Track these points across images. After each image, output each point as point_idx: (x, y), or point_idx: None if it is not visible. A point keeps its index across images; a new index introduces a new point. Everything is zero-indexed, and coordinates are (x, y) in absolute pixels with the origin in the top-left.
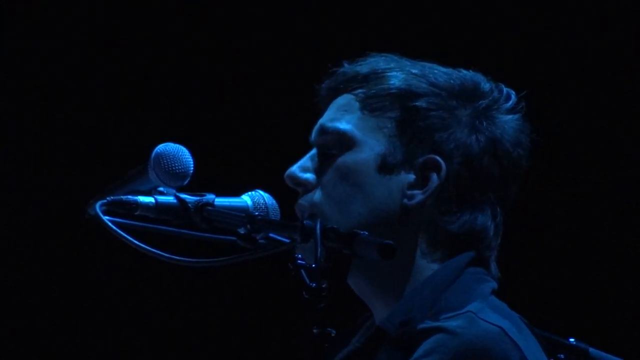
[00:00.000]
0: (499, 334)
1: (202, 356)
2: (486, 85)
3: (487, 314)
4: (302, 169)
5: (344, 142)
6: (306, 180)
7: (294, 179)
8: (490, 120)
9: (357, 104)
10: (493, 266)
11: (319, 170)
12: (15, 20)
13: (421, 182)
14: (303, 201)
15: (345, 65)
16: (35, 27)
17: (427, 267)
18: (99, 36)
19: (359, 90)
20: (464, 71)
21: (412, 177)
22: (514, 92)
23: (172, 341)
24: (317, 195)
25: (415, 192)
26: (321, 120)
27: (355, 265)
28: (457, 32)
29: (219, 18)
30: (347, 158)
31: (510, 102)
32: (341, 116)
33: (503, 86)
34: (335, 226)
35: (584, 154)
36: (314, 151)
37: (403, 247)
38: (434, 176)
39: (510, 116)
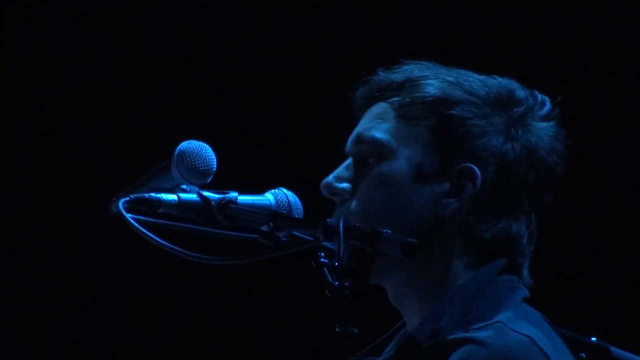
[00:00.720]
0: (528, 343)
1: (224, 353)
2: (521, 92)
3: (516, 324)
4: (337, 178)
5: (380, 151)
6: (342, 189)
7: (330, 188)
8: (525, 128)
9: (392, 113)
10: (526, 273)
11: (354, 180)
12: (28, 17)
13: (457, 190)
14: (339, 211)
15: (380, 73)
16: (46, 24)
17: (460, 274)
18: (125, 32)
19: (394, 99)
20: (499, 78)
21: (447, 185)
22: (548, 99)
23: (193, 338)
24: (352, 204)
25: (451, 200)
26: (357, 129)
27: (393, 272)
28: (488, 38)
29: (251, 16)
30: (383, 167)
31: (545, 109)
32: (377, 125)
33: (537, 93)
34: (358, 224)
35: (609, 158)
36: (349, 160)
37: (438, 255)
38: (470, 185)
39: (545, 123)
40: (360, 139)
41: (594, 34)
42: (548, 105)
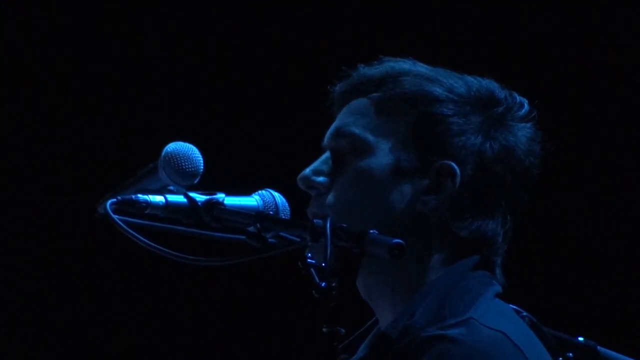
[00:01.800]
0: (501, 339)
1: (209, 355)
2: (501, 92)
3: (489, 319)
4: (315, 172)
5: (359, 146)
6: (319, 183)
7: (307, 181)
8: (504, 128)
9: (371, 108)
10: (499, 272)
11: (332, 174)
12: (24, 18)
13: (436, 187)
14: (315, 205)
15: (360, 68)
16: (43, 26)
17: (434, 270)
18: (109, 34)
19: (374, 94)
20: (479, 78)
21: (426, 182)
22: (526, 101)
23: (179, 340)
24: (329, 198)
25: (430, 197)
26: (335, 124)
27: (366, 267)
28: (468, 39)
29: (234, 17)
30: (361, 163)
31: (524, 110)
32: (356, 120)
33: (516, 94)
34: (345, 224)
35: (585, 158)
36: (327, 155)
37: (413, 251)
38: (449, 182)
39: (523, 124)
40: (338, 134)
41: (570, 34)
42: (526, 107)
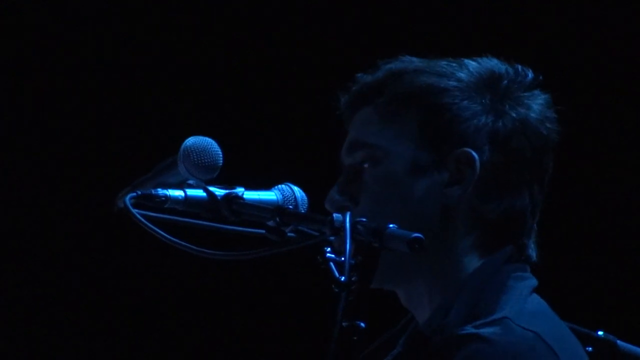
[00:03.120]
0: (534, 339)
1: (228, 348)
2: (500, 67)
3: (523, 319)
4: (339, 192)
5: (373, 155)
6: (345, 201)
7: (333, 202)
8: (512, 101)
9: (377, 114)
10: (532, 251)
11: (355, 189)
12: (34, 15)
13: (457, 177)
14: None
15: (358, 77)
16: (56, 20)
17: (469, 262)
18: (128, 28)
19: (377, 100)
20: (476, 59)
21: (446, 175)
22: (530, 69)
23: (199, 333)
24: (356, 209)
25: (454, 188)
26: (347, 139)
27: (405, 275)
28: (466, 30)
29: (255, 12)
30: (378, 171)
31: (528, 78)
32: (365, 130)
33: (518, 65)
34: (364, 219)
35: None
36: (345, 174)
37: (446, 245)
38: (469, 170)
39: (530, 92)
40: (352, 148)
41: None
42: (530, 75)
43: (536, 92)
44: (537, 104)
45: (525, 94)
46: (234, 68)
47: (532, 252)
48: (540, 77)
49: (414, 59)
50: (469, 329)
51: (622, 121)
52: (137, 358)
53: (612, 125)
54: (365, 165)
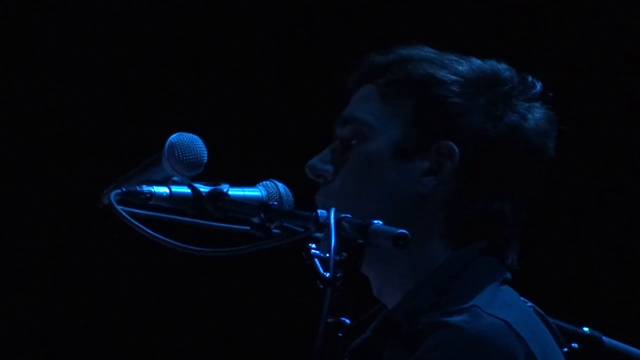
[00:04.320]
0: (503, 327)
1: (214, 345)
2: (507, 72)
3: (493, 307)
4: (321, 160)
5: (362, 131)
6: (325, 171)
7: (314, 169)
8: (508, 107)
9: (377, 93)
10: (511, 256)
11: (338, 161)
12: (28, 13)
13: (435, 168)
14: (322, 193)
15: (370, 57)
16: (49, 19)
17: (440, 254)
18: (114, 26)
19: (380, 80)
20: (487, 60)
21: (426, 164)
22: (540, 83)
23: (184, 331)
24: (334, 185)
25: (430, 178)
26: (343, 113)
27: (374, 254)
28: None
29: (241, 8)
30: (364, 147)
31: (533, 91)
32: (361, 106)
33: (529, 76)
34: (350, 214)
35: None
36: (334, 143)
37: (418, 234)
38: (448, 162)
39: (530, 104)
40: (343, 121)
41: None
42: (538, 88)
43: (537, 104)
44: (534, 115)
45: (525, 103)
46: (219, 64)
47: (512, 258)
48: (550, 94)
49: (427, 48)
50: (438, 317)
51: (615, 119)
52: (120, 355)
53: (607, 122)
54: (353, 142)
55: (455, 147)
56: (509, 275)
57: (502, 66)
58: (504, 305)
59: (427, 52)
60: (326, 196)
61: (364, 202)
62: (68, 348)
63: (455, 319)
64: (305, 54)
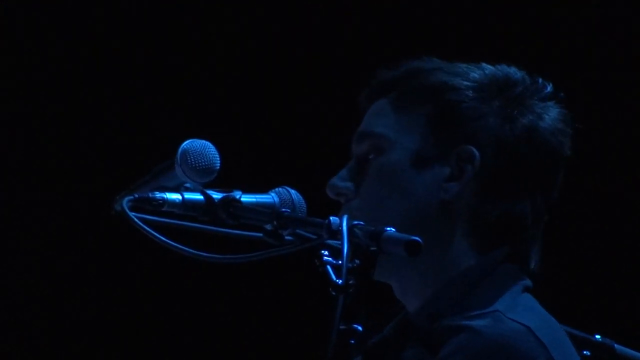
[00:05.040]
0: (525, 333)
1: (226, 352)
2: (518, 74)
3: (515, 313)
4: (341, 178)
5: (379, 145)
6: (346, 188)
7: (334, 188)
8: (523, 108)
9: (390, 106)
10: (533, 260)
11: (358, 178)
12: (27, 14)
13: (457, 173)
14: (344, 210)
15: (379, 72)
16: (50, 22)
17: (464, 259)
18: (121, 28)
19: (391, 93)
20: (496, 65)
21: (447, 170)
22: (551, 84)
23: (195, 336)
24: (356, 202)
25: (452, 184)
26: (358, 130)
27: (400, 268)
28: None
29: (256, 14)
30: (382, 160)
31: (546, 91)
32: (376, 121)
33: (539, 77)
34: (362, 222)
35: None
36: (352, 162)
37: (442, 240)
38: (469, 167)
39: (544, 104)
40: (360, 137)
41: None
42: (549, 88)
43: (551, 103)
44: (549, 114)
45: (539, 103)
46: (232, 70)
47: (532, 262)
48: (562, 95)
49: (435, 59)
50: (460, 321)
51: (617, 121)
52: (134, 359)
53: (608, 125)
54: (371, 157)
55: (475, 151)
56: (530, 283)
57: (512, 69)
58: (526, 311)
59: (437, 62)
60: (349, 214)
61: (388, 214)
62: (79, 351)
63: (477, 322)
64: (320, 58)
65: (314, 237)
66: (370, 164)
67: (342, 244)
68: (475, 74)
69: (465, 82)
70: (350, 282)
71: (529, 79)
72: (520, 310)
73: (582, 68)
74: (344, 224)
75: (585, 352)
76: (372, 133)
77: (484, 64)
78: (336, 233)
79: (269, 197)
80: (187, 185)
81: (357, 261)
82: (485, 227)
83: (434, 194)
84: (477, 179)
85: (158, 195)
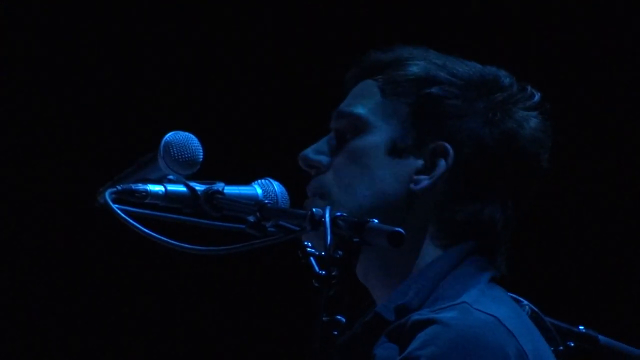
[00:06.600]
0: (493, 323)
1: (210, 344)
2: (506, 79)
3: (482, 304)
4: (315, 151)
5: (358, 125)
6: (318, 161)
7: (306, 160)
8: (506, 114)
9: (376, 89)
10: (500, 260)
11: (332, 154)
12: (21, 12)
13: (429, 167)
14: (313, 183)
15: (371, 53)
16: (41, 19)
17: (430, 253)
18: (109, 26)
19: (379, 76)
20: (488, 66)
21: (420, 162)
22: (539, 93)
23: (180, 330)
24: (326, 176)
25: (422, 177)
26: (340, 106)
27: (362, 251)
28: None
29: (235, 7)
30: (358, 141)
31: (531, 100)
32: (358, 101)
33: (529, 86)
34: (342, 210)
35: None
36: (330, 135)
37: (408, 232)
38: (442, 162)
39: (527, 112)
40: (340, 114)
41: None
42: (536, 98)
43: (534, 113)
44: (530, 124)
45: (523, 112)
46: (212, 62)
47: (501, 263)
48: (548, 106)
49: (431, 50)
50: (427, 314)
51: (615, 119)
52: (116, 353)
53: (607, 122)
54: (348, 135)
55: (450, 148)
56: (497, 273)
57: (502, 73)
58: (493, 302)
59: (429, 53)
60: (318, 187)
61: (354, 196)
62: (63, 347)
63: (445, 315)
64: (298, 49)
65: (297, 228)
66: (346, 142)
67: (325, 235)
68: (465, 71)
69: (453, 78)
70: (333, 273)
71: (516, 86)
72: (488, 301)
73: (582, 68)
74: (327, 215)
75: (569, 343)
76: (352, 113)
77: (475, 63)
78: (319, 224)
79: (252, 189)
80: (170, 177)
81: (340, 252)
82: (453, 224)
83: (404, 184)
84: (449, 176)
85: (141, 187)
